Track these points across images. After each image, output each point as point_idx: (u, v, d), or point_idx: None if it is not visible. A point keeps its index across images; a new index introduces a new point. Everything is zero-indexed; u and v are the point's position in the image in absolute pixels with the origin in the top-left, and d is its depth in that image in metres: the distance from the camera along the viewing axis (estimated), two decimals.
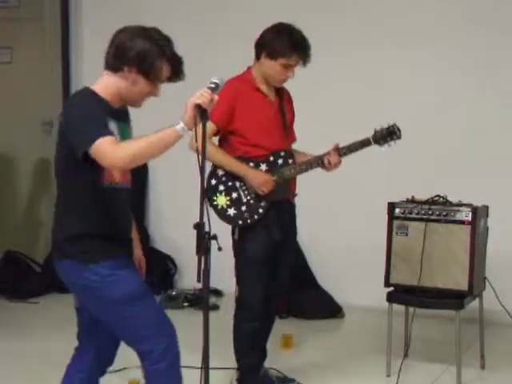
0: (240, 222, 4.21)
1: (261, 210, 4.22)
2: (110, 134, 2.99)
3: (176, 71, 3.15)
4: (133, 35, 3.10)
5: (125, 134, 3.20)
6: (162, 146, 2.99)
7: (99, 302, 3.20)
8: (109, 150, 2.93)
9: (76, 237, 3.13)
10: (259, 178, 4.18)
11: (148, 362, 3.21)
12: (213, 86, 3.03)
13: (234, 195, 4.22)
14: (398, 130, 4.26)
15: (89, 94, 3.10)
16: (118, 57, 3.10)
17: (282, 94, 4.39)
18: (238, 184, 4.23)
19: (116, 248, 3.19)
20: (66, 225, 3.16)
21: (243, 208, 4.21)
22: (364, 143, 4.24)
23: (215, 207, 4.20)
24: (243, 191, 4.23)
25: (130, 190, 3.32)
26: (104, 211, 3.16)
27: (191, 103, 2.96)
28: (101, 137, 2.93)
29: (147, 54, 3.06)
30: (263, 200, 4.21)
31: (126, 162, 2.97)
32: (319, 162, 4.25)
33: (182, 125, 2.97)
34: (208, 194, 4.19)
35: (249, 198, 4.22)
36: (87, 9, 7.10)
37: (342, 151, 4.25)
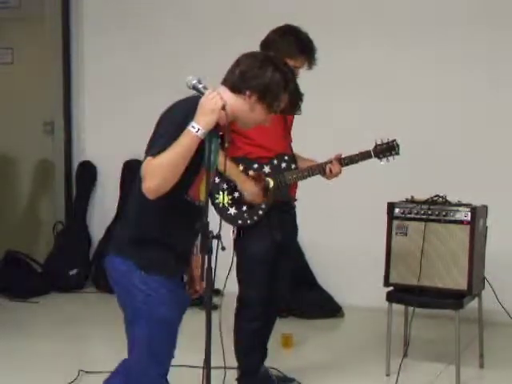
0: (240, 222, 4.23)
1: (260, 212, 4.23)
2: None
3: (293, 105, 3.15)
4: (262, 63, 3.03)
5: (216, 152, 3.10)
6: (188, 156, 2.89)
7: (134, 307, 3.14)
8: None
9: (143, 241, 3.07)
10: (252, 192, 4.18)
11: (124, 375, 3.21)
12: (201, 88, 2.99)
13: (236, 194, 4.23)
14: (397, 145, 4.39)
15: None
16: (243, 80, 3.02)
17: None
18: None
19: (174, 267, 3.15)
20: (140, 225, 3.10)
21: (244, 208, 4.22)
22: (365, 156, 4.34)
23: (217, 205, 4.21)
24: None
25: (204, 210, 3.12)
26: (178, 225, 3.10)
27: (216, 106, 2.89)
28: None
29: (274, 86, 3.01)
30: (264, 202, 4.23)
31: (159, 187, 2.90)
32: (321, 169, 4.31)
33: (202, 130, 2.87)
34: (211, 192, 4.20)
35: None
36: (88, 9, 7.10)
37: (344, 161, 4.32)
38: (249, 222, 4.22)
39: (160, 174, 2.86)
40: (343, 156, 4.32)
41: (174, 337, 3.26)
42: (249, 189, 4.19)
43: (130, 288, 3.08)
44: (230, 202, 4.22)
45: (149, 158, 2.89)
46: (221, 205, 4.22)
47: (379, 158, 4.37)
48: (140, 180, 2.95)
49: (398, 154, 4.39)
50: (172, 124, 2.94)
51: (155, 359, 3.16)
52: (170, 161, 2.85)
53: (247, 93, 3.01)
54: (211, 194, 4.17)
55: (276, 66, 3.03)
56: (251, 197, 4.20)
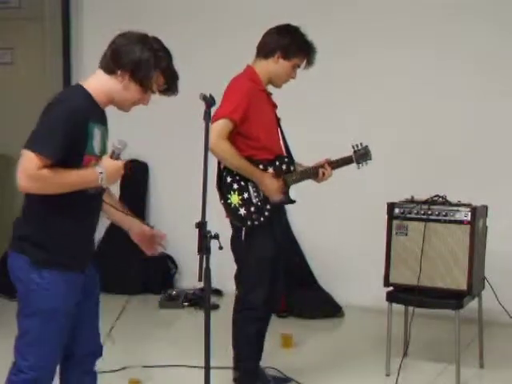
0: (249, 223, 4.23)
1: (266, 213, 4.25)
2: (55, 155, 2.95)
3: (169, 85, 3.14)
4: (132, 41, 3.08)
5: (105, 138, 3.16)
6: (78, 187, 3.01)
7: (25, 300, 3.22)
8: (29, 168, 2.98)
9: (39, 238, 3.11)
10: (274, 184, 4.23)
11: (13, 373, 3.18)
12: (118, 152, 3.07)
13: (245, 195, 4.24)
14: (370, 151, 4.52)
15: (80, 96, 3.08)
16: (114, 59, 3.08)
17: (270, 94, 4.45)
18: (250, 185, 4.25)
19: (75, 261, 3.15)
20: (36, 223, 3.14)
21: (252, 209, 4.24)
22: (347, 161, 4.48)
23: (229, 205, 4.22)
24: (253, 192, 4.25)
25: (100, 196, 3.22)
26: (74, 219, 3.12)
27: (119, 175, 3.05)
28: (40, 153, 2.94)
29: (143, 63, 3.04)
30: (269, 203, 4.25)
31: (32, 188, 3.06)
32: (314, 172, 4.38)
33: (103, 176, 2.99)
34: (223, 191, 4.23)
35: (257, 199, 4.24)
36: (88, 9, 7.11)
37: (334, 165, 4.41)
38: (256, 222, 4.23)
39: (46, 186, 2.99)
40: (331, 160, 4.42)
41: (64, 328, 3.19)
42: (269, 183, 4.20)
43: (25, 281, 3.12)
44: (240, 202, 4.22)
45: (34, 156, 2.98)
46: (232, 205, 4.22)
47: (358, 163, 4.50)
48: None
49: (371, 159, 4.52)
50: (53, 124, 3.01)
51: (40, 358, 3.17)
52: (61, 186, 2.97)
53: (119, 72, 3.06)
54: (224, 195, 4.19)
55: (146, 45, 3.06)
56: (272, 191, 4.21)
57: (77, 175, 2.98)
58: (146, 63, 3.04)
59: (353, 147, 4.49)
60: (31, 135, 3.02)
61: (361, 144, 4.50)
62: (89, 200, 3.11)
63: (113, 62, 3.08)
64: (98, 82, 3.11)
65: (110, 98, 3.11)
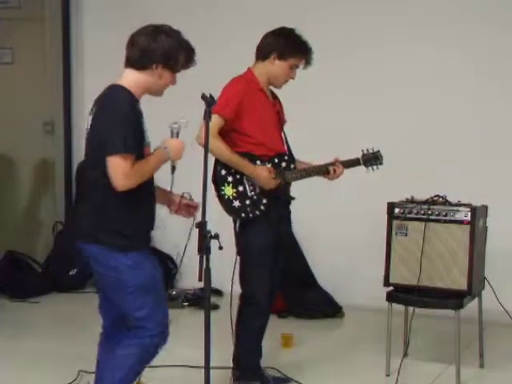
0: (243, 215, 4.27)
1: (262, 207, 4.28)
2: (134, 149, 3.32)
3: (191, 59, 3.49)
4: (153, 36, 3.41)
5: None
6: (156, 169, 3.45)
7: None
8: (123, 169, 3.29)
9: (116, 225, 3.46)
10: (264, 175, 4.26)
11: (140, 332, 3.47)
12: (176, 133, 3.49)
13: (240, 188, 4.28)
14: (381, 156, 4.59)
15: (128, 94, 3.39)
16: (146, 57, 3.40)
17: (275, 96, 4.50)
18: (244, 178, 4.29)
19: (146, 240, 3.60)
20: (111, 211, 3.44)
21: (247, 202, 4.27)
22: (355, 162, 4.56)
23: (222, 197, 4.26)
24: (249, 186, 4.29)
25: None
26: (143, 202, 3.54)
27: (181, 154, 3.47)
28: (124, 153, 3.28)
29: (172, 51, 3.42)
30: (265, 197, 4.28)
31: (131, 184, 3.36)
32: (323, 171, 4.43)
33: (169, 151, 3.43)
34: (218, 183, 4.28)
35: (253, 193, 4.28)
36: (88, 9, 7.10)
37: (344, 164, 4.48)
38: (251, 215, 4.27)
39: (139, 178, 3.35)
40: (340, 160, 4.48)
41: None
42: (259, 174, 4.24)
43: (116, 266, 3.40)
44: (234, 194, 4.25)
45: (121, 158, 3.27)
46: (226, 197, 4.25)
47: (366, 165, 4.57)
48: (104, 172, 3.31)
49: (381, 163, 4.60)
50: (122, 122, 3.31)
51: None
52: (147, 173, 3.39)
53: (153, 66, 3.42)
54: (218, 186, 4.23)
55: (166, 33, 3.45)
56: (263, 180, 4.24)
57: (153, 159, 3.41)
58: (174, 51, 3.43)
59: (362, 151, 4.56)
60: (107, 142, 3.31)
61: (372, 149, 4.57)
62: (150, 186, 3.49)
63: (145, 59, 3.41)
64: (132, 80, 3.43)
65: (145, 91, 3.47)
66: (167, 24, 3.48)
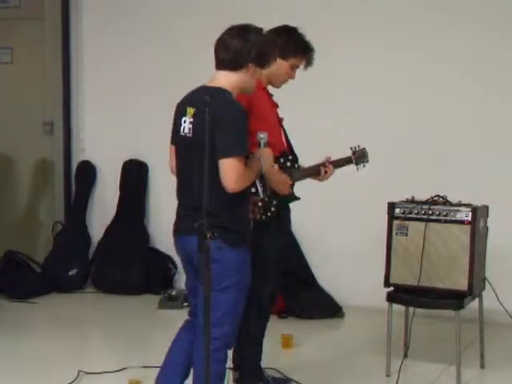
0: (255, 218, 4.22)
1: (273, 209, 4.23)
2: (247, 152, 3.53)
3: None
4: (244, 36, 3.56)
5: None
6: (256, 175, 3.71)
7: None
8: (238, 171, 3.47)
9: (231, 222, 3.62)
10: (283, 177, 4.21)
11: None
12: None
13: (252, 190, 4.23)
14: (367, 154, 4.58)
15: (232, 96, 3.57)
16: (242, 58, 3.56)
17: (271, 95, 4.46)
18: (257, 180, 4.23)
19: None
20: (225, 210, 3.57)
21: (259, 204, 4.23)
22: (347, 161, 4.52)
23: None
24: (260, 187, 4.23)
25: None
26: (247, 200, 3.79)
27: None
28: (239, 155, 3.46)
29: (266, 48, 3.62)
30: (275, 199, 4.22)
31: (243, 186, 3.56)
32: (316, 171, 4.38)
33: (262, 161, 3.69)
34: None
35: (264, 195, 4.24)
36: (87, 9, 7.09)
37: (335, 163, 4.43)
38: (263, 217, 4.20)
39: (248, 180, 3.58)
40: (332, 159, 4.43)
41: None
42: (277, 177, 4.18)
43: (223, 260, 3.49)
44: None
45: (236, 160, 3.44)
46: None
47: (357, 164, 4.55)
48: (214, 172, 3.42)
49: (367, 161, 4.58)
50: (240, 126, 3.50)
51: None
52: (254, 175, 3.66)
53: (249, 65, 3.57)
54: None
55: (255, 31, 3.59)
56: (279, 185, 4.18)
57: (254, 165, 3.63)
58: (268, 47, 3.63)
59: (351, 148, 4.52)
60: (223, 144, 3.43)
61: (358, 146, 4.54)
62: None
63: (241, 60, 3.56)
64: (228, 81, 3.58)
65: (240, 90, 3.64)
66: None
